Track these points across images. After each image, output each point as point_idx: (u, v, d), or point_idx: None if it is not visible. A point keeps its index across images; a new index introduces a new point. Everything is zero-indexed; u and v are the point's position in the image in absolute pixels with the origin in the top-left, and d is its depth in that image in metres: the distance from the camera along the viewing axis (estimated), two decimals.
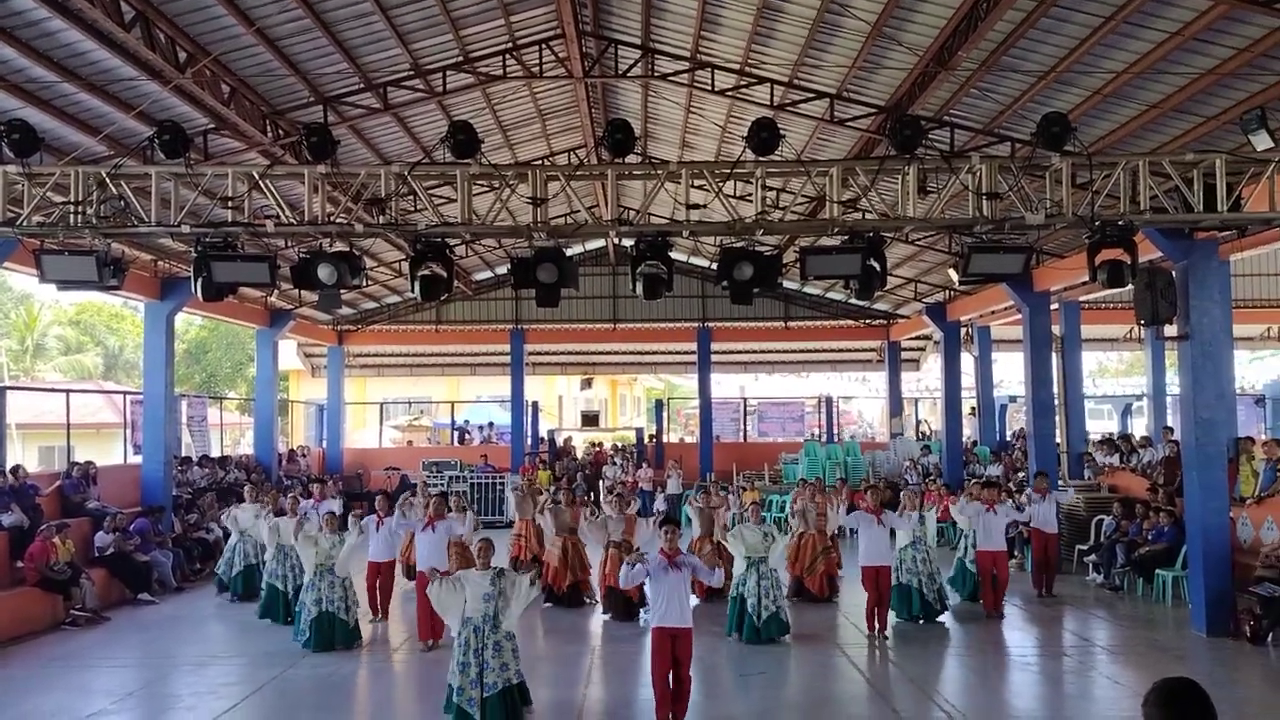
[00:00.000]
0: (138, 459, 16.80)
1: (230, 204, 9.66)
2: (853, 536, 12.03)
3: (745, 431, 28.54)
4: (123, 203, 9.50)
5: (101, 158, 11.02)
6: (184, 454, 19.11)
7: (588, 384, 40.01)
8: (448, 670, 7.90)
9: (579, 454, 28.40)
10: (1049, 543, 13.81)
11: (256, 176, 9.61)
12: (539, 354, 28.57)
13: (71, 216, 9.39)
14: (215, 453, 21.50)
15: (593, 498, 20.48)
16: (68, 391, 20.59)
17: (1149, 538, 13.66)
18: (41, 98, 10.48)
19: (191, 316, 32.25)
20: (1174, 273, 11.67)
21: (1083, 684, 9.75)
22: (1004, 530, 12.97)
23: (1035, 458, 16.05)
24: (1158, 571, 13.21)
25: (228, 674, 10.13)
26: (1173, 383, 22.30)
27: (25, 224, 9.46)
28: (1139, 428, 25.45)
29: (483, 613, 7.70)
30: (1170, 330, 12.06)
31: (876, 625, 11.33)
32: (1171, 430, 18.15)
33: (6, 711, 8.78)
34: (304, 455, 24.21)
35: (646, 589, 10.06)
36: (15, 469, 13.65)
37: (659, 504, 22.95)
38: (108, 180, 9.41)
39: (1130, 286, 10.33)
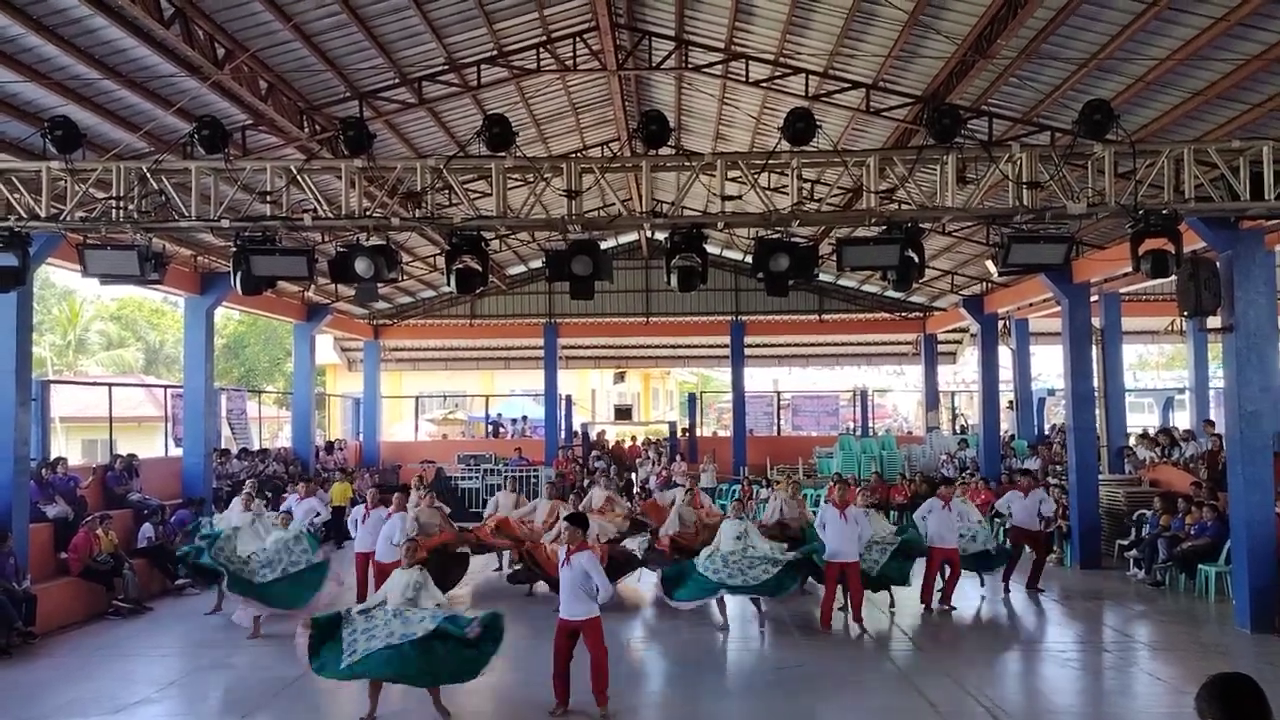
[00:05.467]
0: (178, 452, 17.01)
1: (268, 198, 9.75)
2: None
3: (779, 425, 28.41)
4: (163, 198, 9.63)
5: (142, 154, 11.14)
6: (224, 446, 19.33)
7: (620, 378, 40.05)
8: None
9: (609, 447, 28.39)
10: (1035, 540, 13.73)
11: (294, 171, 9.70)
12: (572, 348, 28.60)
13: (113, 211, 9.54)
14: (255, 445, 21.72)
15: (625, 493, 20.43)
16: (110, 385, 20.97)
17: (1191, 532, 13.46)
18: (83, 95, 10.61)
19: (230, 311, 32.64)
20: (1218, 263, 11.47)
21: (1123, 680, 9.64)
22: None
23: (1074, 451, 15.83)
24: (1200, 567, 13.03)
25: (268, 661, 10.25)
26: (1215, 376, 21.94)
27: (68, 219, 9.63)
28: (1181, 421, 25.07)
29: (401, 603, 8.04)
30: (1214, 322, 11.86)
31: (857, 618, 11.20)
32: (1213, 424, 17.86)
33: (53, 699, 8.95)
34: (341, 448, 24.41)
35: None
36: (57, 461, 13.87)
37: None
38: (149, 175, 9.55)
39: (1173, 278, 10.15)
